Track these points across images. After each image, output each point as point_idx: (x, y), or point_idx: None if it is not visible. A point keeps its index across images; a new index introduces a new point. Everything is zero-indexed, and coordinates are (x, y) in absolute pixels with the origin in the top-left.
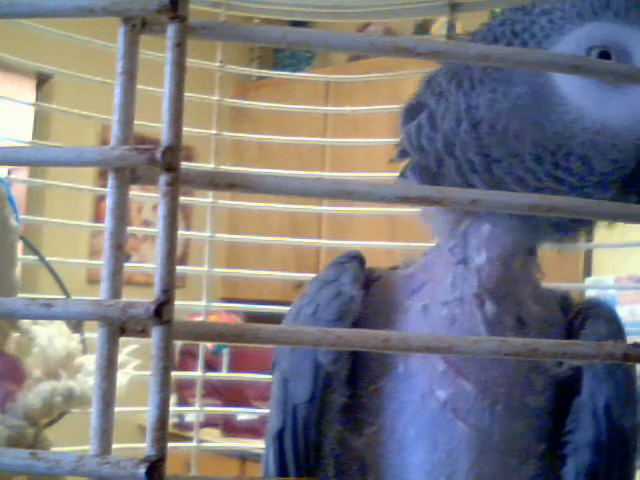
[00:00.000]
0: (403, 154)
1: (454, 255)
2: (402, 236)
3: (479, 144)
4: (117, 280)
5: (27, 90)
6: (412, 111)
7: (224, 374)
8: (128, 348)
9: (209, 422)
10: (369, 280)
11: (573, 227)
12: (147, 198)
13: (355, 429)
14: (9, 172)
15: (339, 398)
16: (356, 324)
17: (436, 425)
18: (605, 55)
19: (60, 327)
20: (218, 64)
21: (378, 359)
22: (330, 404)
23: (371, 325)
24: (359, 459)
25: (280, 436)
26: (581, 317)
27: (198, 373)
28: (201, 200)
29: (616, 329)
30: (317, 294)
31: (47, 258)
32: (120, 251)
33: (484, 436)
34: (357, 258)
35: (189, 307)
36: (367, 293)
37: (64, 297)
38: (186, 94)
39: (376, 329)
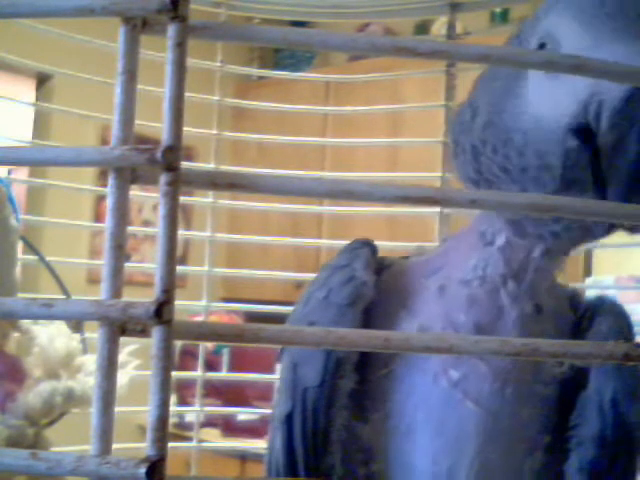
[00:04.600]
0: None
1: (484, 237)
2: (402, 236)
3: (472, 133)
4: (117, 280)
5: (27, 90)
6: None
7: (224, 374)
8: (128, 348)
9: (209, 422)
10: (381, 267)
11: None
12: (147, 198)
13: (361, 416)
14: (9, 172)
15: (348, 384)
16: (368, 309)
17: (445, 406)
18: (542, 47)
19: (60, 327)
20: (218, 64)
21: None
22: (338, 390)
23: (384, 310)
24: (364, 447)
25: (289, 420)
26: (590, 314)
27: (198, 373)
28: (201, 200)
29: (625, 326)
30: (329, 278)
31: (47, 258)
32: (120, 251)
33: (493, 420)
34: (369, 245)
35: (189, 307)
36: (379, 279)
37: (64, 297)
38: (186, 94)
39: (389, 314)
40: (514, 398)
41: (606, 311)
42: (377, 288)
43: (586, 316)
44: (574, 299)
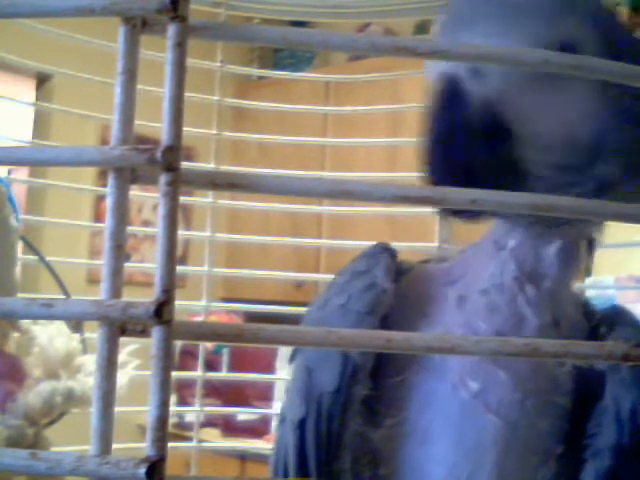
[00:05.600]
0: None
1: (498, 244)
2: (402, 236)
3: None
4: (117, 280)
5: (27, 90)
6: None
7: (224, 374)
8: (128, 348)
9: (209, 422)
10: (400, 273)
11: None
12: (147, 198)
13: (373, 422)
14: (9, 172)
15: (362, 390)
16: (385, 316)
17: (465, 417)
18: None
19: (60, 327)
20: (218, 64)
21: None
22: (352, 396)
23: (402, 317)
24: (373, 451)
25: (302, 426)
26: (606, 325)
27: (198, 373)
28: (201, 200)
29: None
30: (348, 284)
31: (47, 258)
32: (120, 251)
33: (512, 431)
34: (389, 250)
35: (189, 307)
36: (398, 285)
37: (64, 297)
38: (186, 94)
39: (408, 321)
40: (534, 410)
41: (622, 322)
42: (396, 295)
43: (601, 326)
44: (586, 307)
